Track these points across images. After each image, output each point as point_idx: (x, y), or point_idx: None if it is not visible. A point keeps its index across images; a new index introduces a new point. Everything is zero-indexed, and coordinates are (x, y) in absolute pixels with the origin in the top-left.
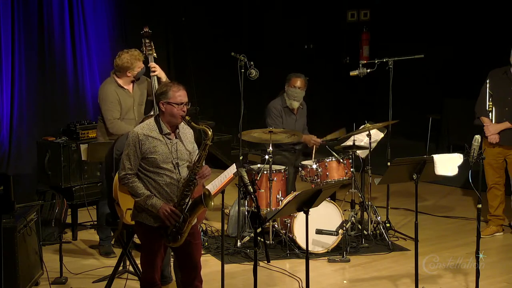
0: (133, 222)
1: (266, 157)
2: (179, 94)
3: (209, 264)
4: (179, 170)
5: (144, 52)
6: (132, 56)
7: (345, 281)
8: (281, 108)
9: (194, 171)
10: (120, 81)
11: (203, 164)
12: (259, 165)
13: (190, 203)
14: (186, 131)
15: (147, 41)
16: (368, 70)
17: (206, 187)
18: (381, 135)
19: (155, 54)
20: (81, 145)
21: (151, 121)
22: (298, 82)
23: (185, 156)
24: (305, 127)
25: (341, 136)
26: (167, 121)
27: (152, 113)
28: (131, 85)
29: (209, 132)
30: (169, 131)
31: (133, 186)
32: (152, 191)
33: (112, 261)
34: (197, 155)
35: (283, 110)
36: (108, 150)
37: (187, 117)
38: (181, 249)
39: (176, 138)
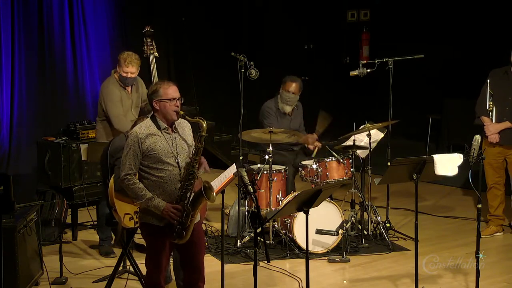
0: (132, 225)
1: (266, 157)
2: (170, 90)
3: (209, 264)
4: (179, 164)
5: (146, 51)
6: (129, 56)
7: (345, 281)
8: (275, 108)
9: (192, 164)
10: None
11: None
12: (259, 165)
13: (191, 196)
14: (183, 126)
15: (149, 40)
16: (368, 70)
17: None
18: (381, 135)
19: (156, 54)
20: (81, 145)
21: (147, 120)
22: (293, 87)
23: (185, 149)
24: (302, 127)
25: (327, 120)
26: (163, 118)
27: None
28: (129, 87)
29: (204, 124)
30: (166, 126)
31: (133, 187)
32: (155, 188)
33: (112, 261)
34: (194, 147)
35: (277, 111)
36: (103, 153)
37: (181, 112)
38: (184, 249)
39: (174, 132)
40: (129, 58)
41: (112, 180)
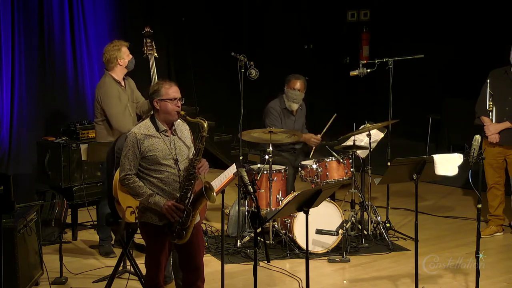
0: (133, 220)
1: (266, 157)
2: (172, 90)
3: (209, 264)
4: (178, 166)
5: (145, 52)
6: (115, 45)
7: (345, 281)
8: (280, 109)
9: (193, 165)
10: (115, 75)
11: (201, 158)
12: (259, 165)
13: (192, 197)
14: (182, 128)
15: (149, 41)
16: (368, 70)
17: None
18: (381, 135)
19: (156, 54)
20: (81, 145)
21: (147, 121)
22: (298, 84)
23: (184, 151)
24: (304, 127)
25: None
26: (163, 118)
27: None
28: (123, 81)
29: (205, 124)
30: (165, 128)
31: (134, 186)
32: (154, 189)
33: (112, 261)
34: (195, 148)
35: (282, 111)
36: (109, 148)
37: (182, 112)
38: (184, 249)
39: (173, 134)
40: (116, 44)
41: (118, 171)
